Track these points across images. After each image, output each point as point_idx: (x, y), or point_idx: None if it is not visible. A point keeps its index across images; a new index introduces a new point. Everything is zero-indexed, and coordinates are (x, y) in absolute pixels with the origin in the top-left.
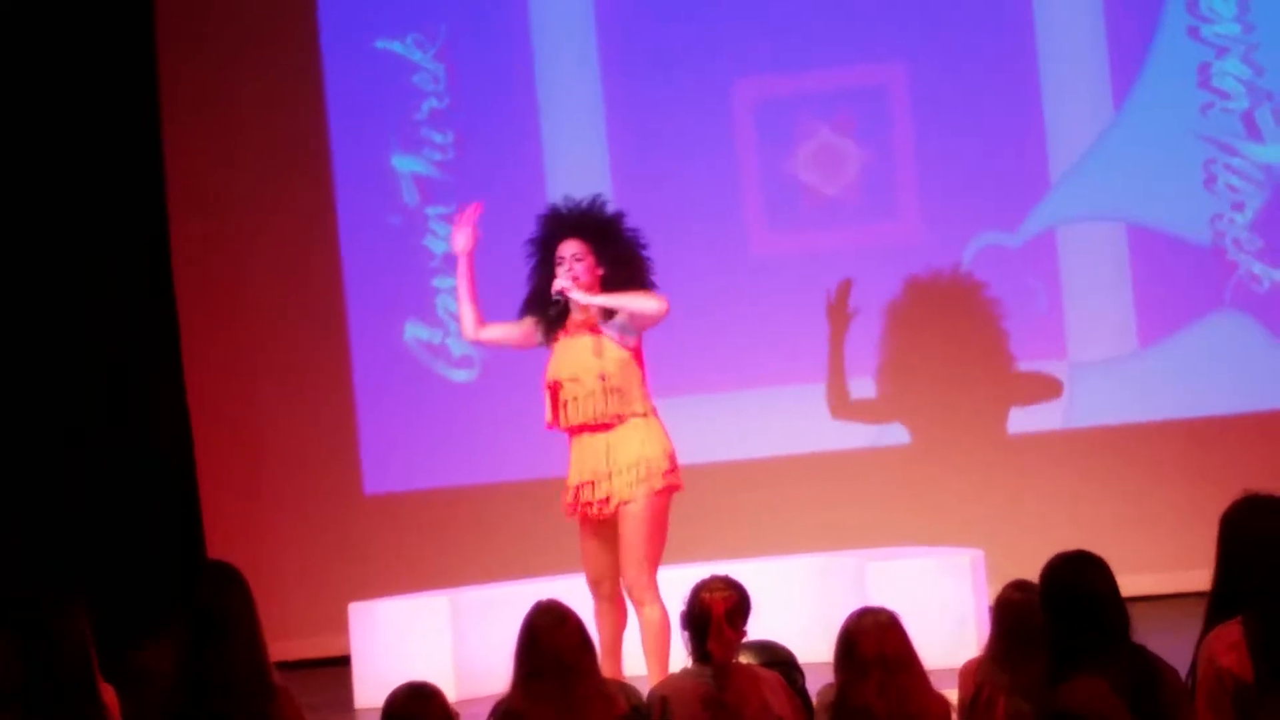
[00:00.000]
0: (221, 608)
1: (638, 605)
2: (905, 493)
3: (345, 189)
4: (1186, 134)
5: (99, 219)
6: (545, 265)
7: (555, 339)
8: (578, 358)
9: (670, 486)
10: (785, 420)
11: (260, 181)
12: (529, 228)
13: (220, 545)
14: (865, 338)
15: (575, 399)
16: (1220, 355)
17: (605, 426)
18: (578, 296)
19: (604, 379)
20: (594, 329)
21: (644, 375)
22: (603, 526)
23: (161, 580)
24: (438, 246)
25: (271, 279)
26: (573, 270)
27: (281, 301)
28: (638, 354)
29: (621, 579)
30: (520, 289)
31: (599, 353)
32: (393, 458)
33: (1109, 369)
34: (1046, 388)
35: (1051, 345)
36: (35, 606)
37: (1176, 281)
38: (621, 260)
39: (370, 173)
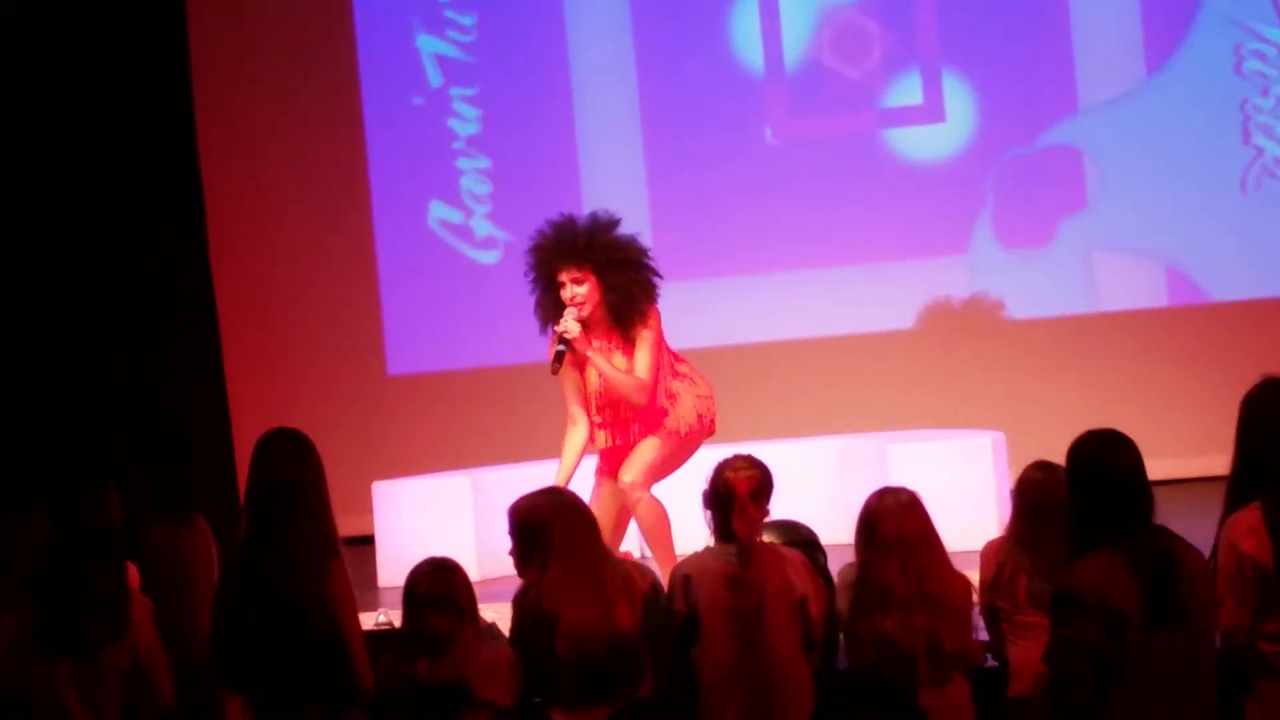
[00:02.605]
0: (297, 474)
1: (632, 501)
2: (927, 377)
3: (369, 70)
4: (1217, 15)
5: (122, 108)
6: (549, 293)
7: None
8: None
9: (699, 431)
10: (806, 304)
11: (284, 63)
12: (551, 110)
13: (244, 424)
14: (887, 223)
15: (605, 427)
16: (1241, 240)
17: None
18: (579, 347)
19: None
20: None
21: (664, 357)
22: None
23: (190, 459)
24: (462, 128)
25: (296, 160)
26: (575, 300)
27: (306, 181)
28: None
29: (621, 474)
30: (536, 180)
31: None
32: (416, 338)
33: (1130, 255)
34: (1067, 272)
35: (1074, 231)
36: (69, 490)
37: (1199, 164)
38: (623, 284)
39: (394, 54)
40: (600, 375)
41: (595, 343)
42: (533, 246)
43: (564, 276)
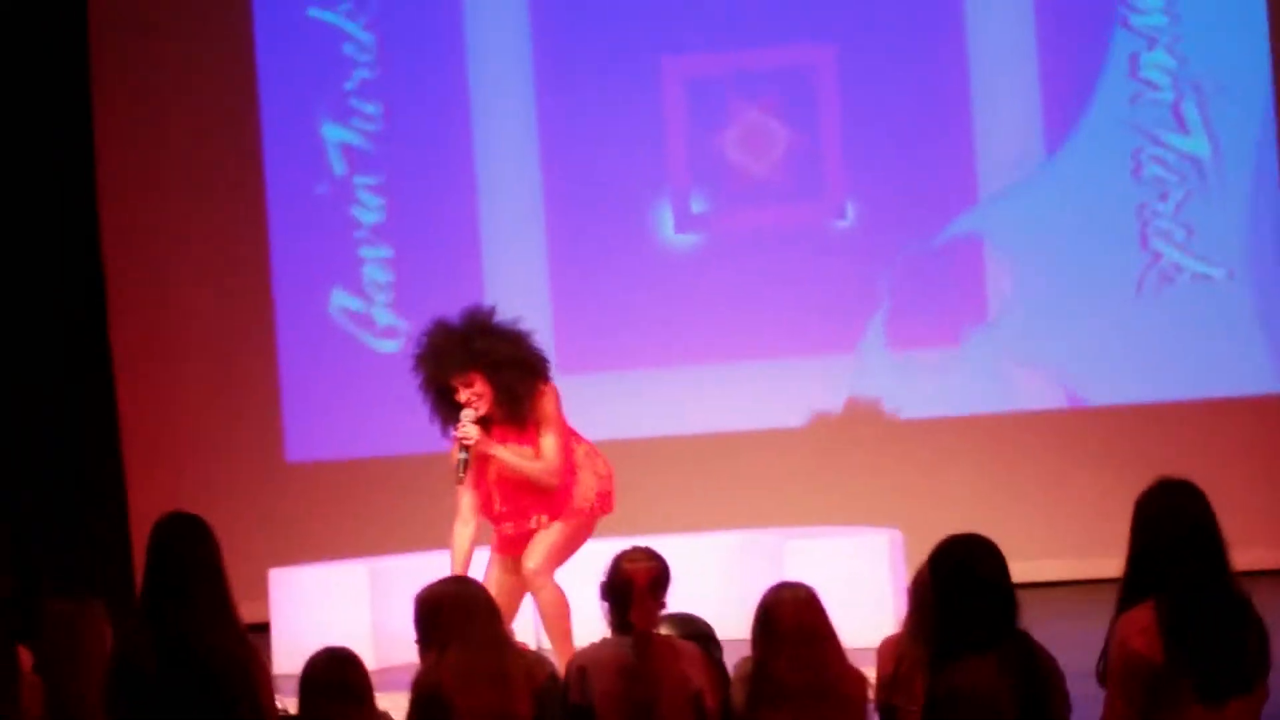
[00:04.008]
0: (195, 556)
1: (535, 590)
2: (824, 474)
3: (274, 157)
4: (1117, 122)
5: (26, 188)
6: (442, 397)
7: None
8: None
9: (598, 509)
10: (706, 399)
11: (189, 148)
12: (455, 200)
13: (142, 509)
14: (791, 318)
15: (509, 518)
16: (1139, 343)
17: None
18: (482, 449)
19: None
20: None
21: (565, 434)
22: (520, 567)
23: (84, 543)
24: (365, 216)
25: (198, 243)
26: (472, 404)
27: (208, 267)
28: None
29: (524, 561)
30: (438, 269)
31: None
32: (316, 426)
33: (1031, 354)
34: (967, 371)
35: (973, 330)
36: None
37: (1102, 271)
38: (510, 379)
39: (299, 141)
40: (503, 466)
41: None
42: (416, 358)
43: (454, 382)
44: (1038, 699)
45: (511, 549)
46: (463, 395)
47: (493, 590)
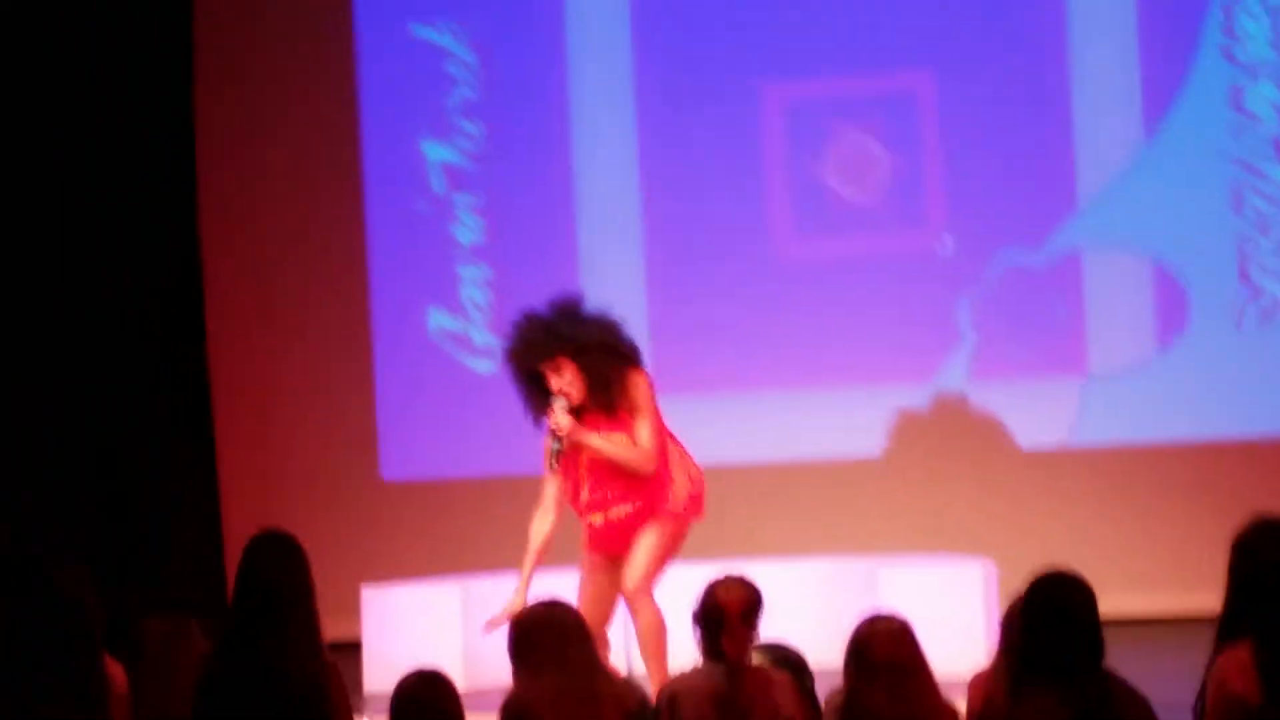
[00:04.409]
0: (283, 577)
1: (635, 609)
2: (919, 502)
3: (374, 174)
4: (1216, 156)
5: (124, 209)
6: (533, 386)
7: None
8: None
9: (690, 512)
10: (803, 424)
11: (291, 165)
12: (553, 221)
13: (237, 524)
14: (885, 345)
15: (598, 508)
16: (1239, 378)
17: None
18: (575, 437)
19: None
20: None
21: (662, 430)
22: (612, 566)
23: (179, 559)
24: (464, 235)
25: (298, 263)
26: (564, 392)
27: (307, 286)
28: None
29: (623, 580)
30: (536, 290)
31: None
32: (411, 444)
33: (1127, 386)
34: (1062, 403)
35: (1071, 361)
36: (34, 569)
37: (1199, 303)
38: (599, 364)
39: (400, 159)
40: (597, 453)
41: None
42: (506, 350)
43: (544, 369)
44: None
45: (601, 545)
46: (554, 383)
47: (585, 594)
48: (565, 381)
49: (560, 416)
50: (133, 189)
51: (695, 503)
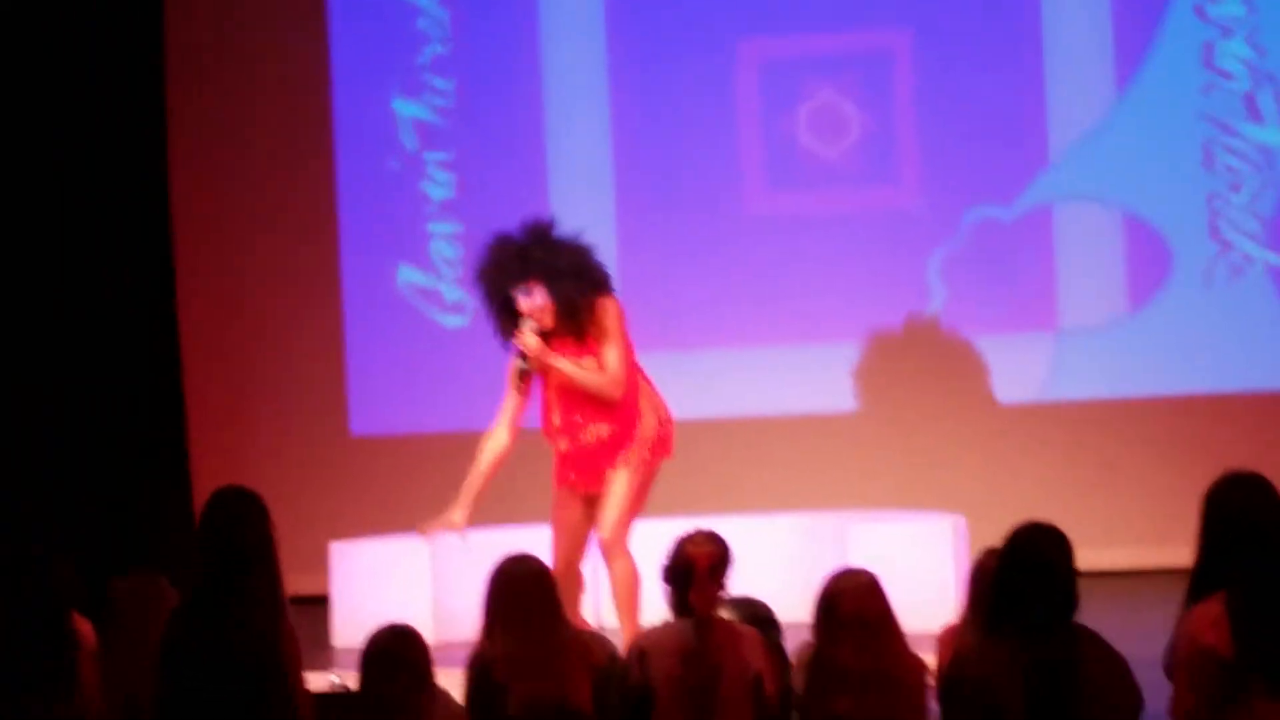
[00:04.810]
0: (243, 533)
1: (610, 559)
2: (890, 458)
3: (345, 131)
4: (1187, 113)
5: (96, 159)
6: (504, 309)
7: (528, 383)
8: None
9: (659, 453)
10: (773, 380)
11: (262, 123)
12: (525, 177)
13: (205, 479)
14: (857, 302)
15: (565, 432)
16: (1210, 333)
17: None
18: (544, 359)
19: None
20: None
21: (631, 359)
22: (582, 502)
23: (148, 515)
24: (435, 192)
25: (266, 217)
26: (534, 316)
27: (275, 239)
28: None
29: (596, 531)
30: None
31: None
32: (381, 400)
33: (1098, 342)
34: (1034, 358)
35: (1042, 317)
36: (9, 549)
37: (1170, 259)
38: (570, 288)
39: (371, 116)
40: (565, 378)
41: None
42: (477, 270)
43: (515, 292)
44: (1056, 694)
45: (570, 475)
46: (524, 305)
47: (556, 529)
48: (535, 305)
49: (528, 337)
50: (101, 145)
51: (664, 443)
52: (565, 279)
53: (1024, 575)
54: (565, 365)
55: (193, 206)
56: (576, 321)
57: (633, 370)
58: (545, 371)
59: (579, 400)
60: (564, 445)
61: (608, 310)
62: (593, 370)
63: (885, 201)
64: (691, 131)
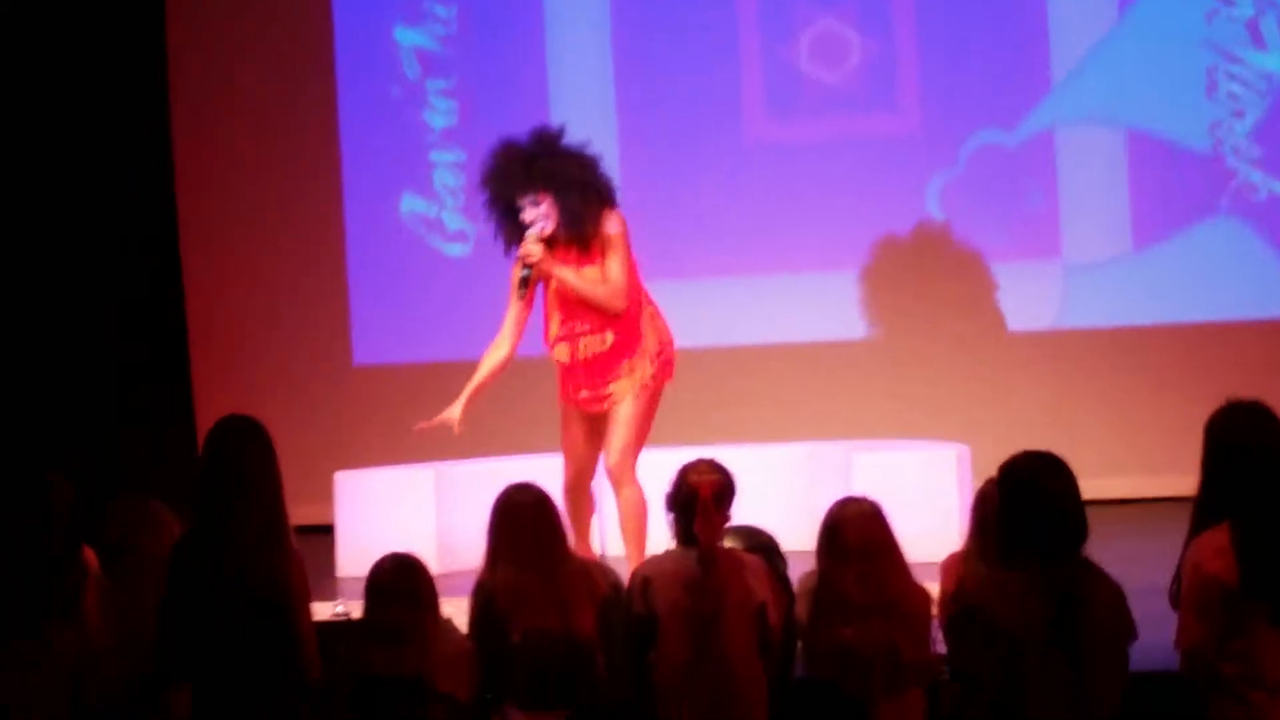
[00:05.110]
0: (245, 462)
1: (617, 486)
2: (894, 386)
3: (346, 60)
4: (1190, 40)
5: (95, 92)
6: (508, 216)
7: (530, 292)
8: (571, 306)
9: (661, 376)
10: (776, 309)
11: (260, 51)
12: (526, 104)
13: (208, 410)
14: (859, 229)
15: (565, 339)
16: (1213, 262)
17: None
18: (545, 268)
19: (596, 326)
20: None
21: (634, 274)
22: (595, 417)
23: (152, 446)
24: (436, 120)
25: (268, 147)
26: (538, 225)
27: (277, 169)
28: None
29: (604, 458)
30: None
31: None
32: (383, 329)
33: (1102, 271)
34: (1037, 287)
35: (1046, 245)
36: (13, 475)
37: (1173, 187)
38: (576, 198)
39: (371, 44)
40: (566, 287)
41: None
42: (483, 176)
43: (521, 200)
44: (1075, 625)
45: (573, 388)
46: (528, 214)
47: (565, 445)
48: (540, 213)
49: (531, 245)
50: (101, 83)
51: (666, 365)
52: (572, 190)
53: (1023, 505)
54: (568, 274)
55: (194, 137)
56: (581, 232)
57: (635, 284)
58: (547, 280)
59: (579, 309)
60: (564, 355)
61: (612, 223)
62: (594, 280)
63: (886, 127)
64: (693, 58)
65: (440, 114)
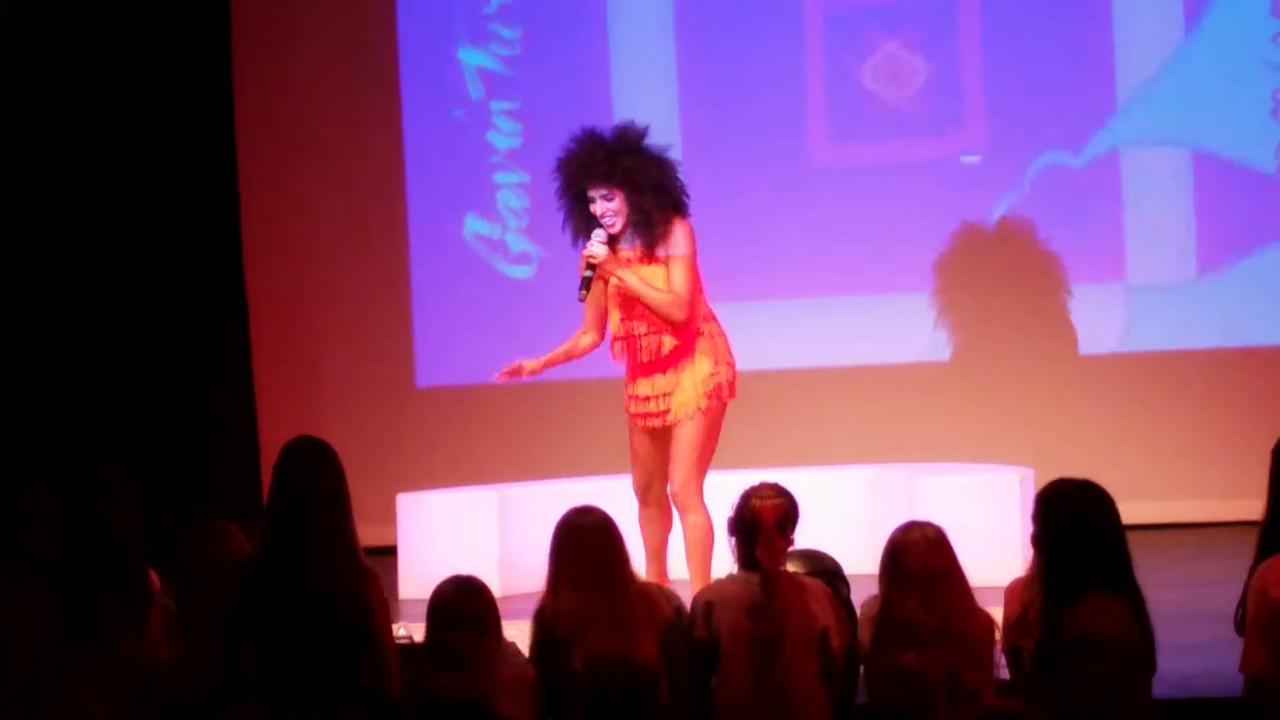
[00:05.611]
0: (317, 482)
1: (683, 511)
2: (958, 409)
3: (410, 81)
4: (1255, 62)
5: (162, 114)
6: (578, 206)
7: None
8: (631, 305)
9: (723, 396)
10: (840, 331)
11: (325, 72)
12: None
13: (273, 433)
14: (923, 251)
15: (622, 339)
16: (1277, 286)
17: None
18: (609, 267)
19: (653, 328)
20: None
21: (698, 286)
22: (658, 430)
23: (216, 467)
24: (500, 141)
25: (333, 168)
26: (606, 221)
27: (343, 193)
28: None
29: (669, 483)
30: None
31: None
32: (446, 351)
33: (1167, 294)
34: (1104, 309)
35: (1111, 268)
36: (83, 468)
37: (1238, 209)
38: (649, 202)
39: (436, 65)
40: (628, 290)
41: (624, 252)
42: (560, 162)
43: (593, 193)
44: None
45: (631, 397)
46: (599, 208)
47: (632, 459)
48: (611, 208)
49: (596, 245)
50: (168, 94)
51: (728, 387)
52: (647, 191)
53: (1062, 534)
54: (630, 278)
55: (259, 158)
56: (649, 235)
57: (697, 295)
58: (607, 280)
59: (637, 309)
60: (621, 356)
61: (681, 229)
62: (657, 286)
63: (952, 149)
64: (757, 80)
65: (504, 135)
